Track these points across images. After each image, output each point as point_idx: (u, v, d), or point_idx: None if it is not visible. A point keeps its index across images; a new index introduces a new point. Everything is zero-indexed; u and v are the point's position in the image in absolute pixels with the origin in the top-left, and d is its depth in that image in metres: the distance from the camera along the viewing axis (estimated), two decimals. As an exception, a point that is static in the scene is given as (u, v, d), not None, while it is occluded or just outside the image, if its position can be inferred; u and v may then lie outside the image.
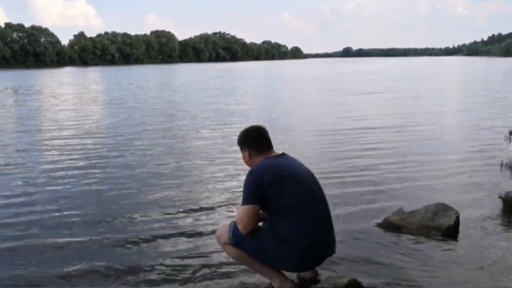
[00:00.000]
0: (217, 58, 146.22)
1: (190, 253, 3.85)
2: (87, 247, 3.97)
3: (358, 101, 16.58)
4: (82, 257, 3.74)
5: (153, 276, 3.44)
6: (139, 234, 4.27)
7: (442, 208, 4.29)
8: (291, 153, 3.01)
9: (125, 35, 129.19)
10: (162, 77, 43.63)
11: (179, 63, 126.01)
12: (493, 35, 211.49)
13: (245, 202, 2.70)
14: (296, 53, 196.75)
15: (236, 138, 3.04)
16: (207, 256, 3.75)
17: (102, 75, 50.55)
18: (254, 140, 2.89)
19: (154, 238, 4.18)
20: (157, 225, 4.51)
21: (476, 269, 3.45)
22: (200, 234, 4.25)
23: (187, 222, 4.61)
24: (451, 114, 13.42)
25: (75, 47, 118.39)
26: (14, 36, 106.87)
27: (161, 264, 3.64)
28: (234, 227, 2.75)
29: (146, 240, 4.11)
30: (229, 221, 2.85)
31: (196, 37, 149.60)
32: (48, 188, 5.85)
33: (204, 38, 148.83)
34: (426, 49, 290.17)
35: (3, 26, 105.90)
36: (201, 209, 4.98)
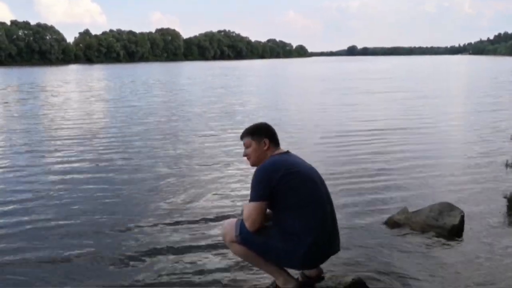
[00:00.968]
0: (221, 56, 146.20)
1: (193, 253, 3.87)
2: (89, 249, 3.94)
3: (367, 101, 16.24)
4: (83, 259, 3.73)
5: (155, 275, 3.45)
6: (141, 235, 4.29)
7: (447, 208, 4.29)
8: (298, 152, 3.02)
9: (130, 32, 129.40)
10: (167, 75, 43.59)
11: (183, 61, 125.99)
12: (499, 34, 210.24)
13: (253, 199, 2.70)
14: (301, 52, 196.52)
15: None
16: (210, 255, 3.77)
17: (107, 73, 50.45)
18: (273, 134, 2.93)
19: (156, 239, 4.19)
20: (158, 225, 4.52)
21: (481, 269, 3.45)
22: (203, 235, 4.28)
23: (190, 223, 4.63)
24: (456, 114, 13.37)
25: (80, 45, 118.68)
26: (20, 33, 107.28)
27: (163, 263, 3.66)
28: (241, 225, 2.75)
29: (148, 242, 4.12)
30: (235, 219, 2.86)
31: (201, 35, 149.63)
32: (44, 193, 5.54)
33: (209, 36, 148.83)
34: (432, 47, 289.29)
35: (9, 23, 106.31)
36: (204, 209, 4.99)
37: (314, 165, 2.96)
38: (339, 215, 3.05)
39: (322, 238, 2.71)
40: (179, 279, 3.36)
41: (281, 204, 2.71)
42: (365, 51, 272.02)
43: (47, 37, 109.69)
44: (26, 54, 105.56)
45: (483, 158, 7.19)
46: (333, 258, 2.95)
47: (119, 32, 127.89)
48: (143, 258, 3.71)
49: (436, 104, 15.44)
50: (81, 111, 14.80)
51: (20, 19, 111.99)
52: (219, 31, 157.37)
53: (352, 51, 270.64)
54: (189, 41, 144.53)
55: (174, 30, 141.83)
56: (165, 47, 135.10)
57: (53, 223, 4.52)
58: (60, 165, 7.12)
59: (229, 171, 6.53)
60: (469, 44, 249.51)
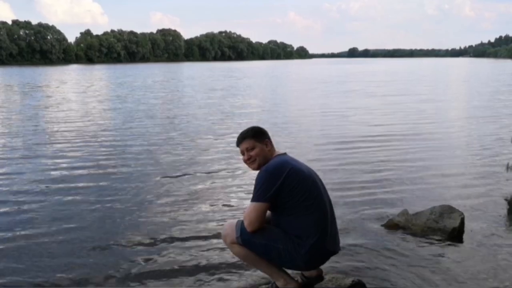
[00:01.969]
0: (222, 57, 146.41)
1: (194, 254, 3.86)
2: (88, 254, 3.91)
3: (369, 104, 15.98)
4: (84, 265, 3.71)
5: (155, 276, 3.45)
6: (142, 236, 4.29)
7: (447, 210, 4.28)
8: (299, 153, 3.02)
9: (131, 33, 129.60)
10: (167, 76, 43.56)
11: (184, 61, 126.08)
12: (500, 36, 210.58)
13: (255, 199, 2.70)
14: (302, 53, 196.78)
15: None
16: (210, 257, 3.77)
17: (107, 73, 50.37)
18: (269, 135, 2.95)
19: (157, 240, 4.19)
20: (160, 226, 4.53)
21: (481, 271, 3.44)
22: (204, 236, 4.27)
23: (191, 224, 4.62)
24: (457, 117, 13.35)
25: (81, 45, 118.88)
26: (21, 33, 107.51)
27: (163, 264, 3.65)
28: (241, 226, 2.74)
29: (150, 244, 4.12)
30: (235, 220, 2.85)
31: (202, 35, 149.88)
32: (37, 199, 5.29)
33: (210, 37, 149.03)
34: (433, 50, 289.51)
35: (10, 23, 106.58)
36: (205, 212, 4.99)
37: (314, 166, 2.96)
38: (339, 217, 3.06)
39: (323, 239, 2.70)
40: (179, 280, 3.35)
41: (283, 206, 2.71)
42: (366, 53, 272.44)
43: (48, 37, 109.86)
44: (27, 54, 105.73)
45: (483, 161, 7.18)
46: (333, 260, 2.95)
47: (120, 32, 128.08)
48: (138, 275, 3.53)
49: (437, 107, 15.43)
50: (77, 113, 14.27)
51: (22, 19, 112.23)
52: (220, 32, 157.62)
53: (353, 53, 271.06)
54: (190, 42, 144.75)
55: (175, 31, 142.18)
56: (166, 47, 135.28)
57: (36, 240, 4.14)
58: (49, 172, 6.61)
59: (229, 178, 6.20)
60: (470, 46, 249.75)
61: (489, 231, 4.23)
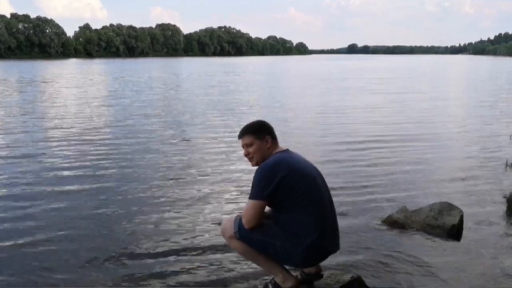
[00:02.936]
0: (221, 52, 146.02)
1: (193, 248, 3.86)
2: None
3: (369, 101, 15.87)
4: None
5: (154, 270, 3.45)
6: (139, 230, 4.28)
7: (447, 207, 4.28)
8: (299, 150, 3.00)
9: (130, 27, 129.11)
10: (166, 71, 43.42)
11: (183, 56, 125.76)
12: (500, 34, 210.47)
13: (253, 196, 2.69)
14: (301, 49, 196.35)
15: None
16: (208, 251, 3.77)
17: (106, 68, 49.99)
18: (273, 131, 2.89)
19: (154, 234, 4.19)
20: (158, 222, 4.53)
21: (480, 268, 3.45)
22: (202, 229, 4.27)
23: (189, 219, 4.62)
24: (457, 114, 13.35)
25: (80, 39, 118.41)
26: (20, 26, 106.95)
27: (162, 259, 3.65)
28: (240, 221, 2.73)
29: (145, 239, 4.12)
30: (234, 215, 2.84)
31: (201, 30, 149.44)
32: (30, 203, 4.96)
33: (209, 32, 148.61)
34: (432, 47, 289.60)
35: (8, 16, 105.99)
36: (205, 208, 4.98)
37: (314, 162, 2.94)
38: (338, 214, 3.04)
39: (321, 238, 2.69)
40: (178, 278, 3.35)
41: (282, 203, 2.70)
42: (366, 50, 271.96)
43: (47, 31, 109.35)
44: (25, 48, 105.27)
45: (483, 158, 7.18)
46: (332, 256, 2.94)
47: (119, 26, 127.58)
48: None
49: (437, 105, 15.42)
50: (71, 109, 13.72)
51: (20, 12, 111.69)
52: (220, 27, 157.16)
53: (352, 49, 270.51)
54: (189, 37, 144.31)
55: (174, 26, 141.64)
56: (165, 42, 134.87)
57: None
58: (39, 173, 6.18)
59: (226, 178, 5.95)
60: (470, 44, 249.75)
61: (488, 229, 4.24)
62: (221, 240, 3.37)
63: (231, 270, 3.41)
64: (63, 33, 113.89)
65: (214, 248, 3.78)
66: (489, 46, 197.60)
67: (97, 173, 6.25)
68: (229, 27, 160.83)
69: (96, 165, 6.69)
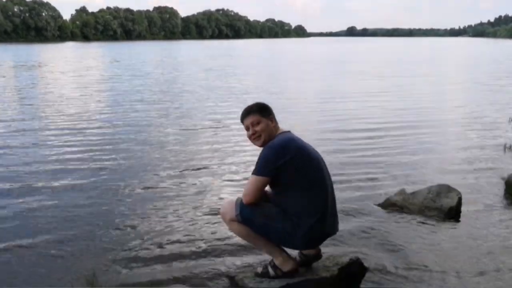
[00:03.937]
0: (219, 35, 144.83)
1: (191, 230, 3.88)
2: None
3: (376, 86, 15.52)
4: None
5: (153, 257, 3.47)
6: (137, 219, 4.29)
7: (445, 189, 4.30)
8: (299, 132, 2.99)
9: (127, 10, 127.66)
10: (164, 55, 43.08)
11: (181, 39, 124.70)
12: (500, 16, 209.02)
13: (255, 172, 2.69)
14: (299, 32, 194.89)
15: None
16: (207, 233, 3.79)
17: (102, 51, 49.39)
18: (272, 111, 2.90)
19: (153, 220, 4.20)
20: (156, 209, 4.54)
21: (477, 250, 3.48)
22: (201, 212, 4.28)
23: (187, 203, 4.63)
24: (456, 97, 13.32)
25: (77, 22, 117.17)
26: (16, 9, 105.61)
27: (160, 245, 3.67)
28: (241, 204, 2.74)
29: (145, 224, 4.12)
30: (234, 198, 2.85)
31: (199, 13, 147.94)
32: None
33: (207, 15, 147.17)
34: (432, 29, 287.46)
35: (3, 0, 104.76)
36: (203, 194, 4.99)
37: (314, 145, 2.94)
38: (336, 196, 3.05)
39: (323, 219, 2.71)
40: (175, 263, 3.37)
41: (285, 185, 2.70)
42: (365, 32, 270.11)
43: (43, 14, 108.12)
44: (21, 31, 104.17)
45: (482, 141, 7.19)
46: (330, 238, 2.96)
47: (116, 9, 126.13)
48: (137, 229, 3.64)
49: (439, 89, 15.38)
50: (64, 96, 12.93)
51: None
52: (217, 10, 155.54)
53: (351, 32, 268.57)
54: (187, 20, 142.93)
55: (171, 8, 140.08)
56: (162, 25, 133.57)
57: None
58: (23, 168, 5.74)
59: (225, 170, 5.66)
60: (469, 26, 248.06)
61: (486, 211, 4.26)
62: (221, 227, 3.42)
63: (231, 254, 3.42)
64: (60, 16, 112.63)
65: (214, 231, 3.80)
66: (489, 28, 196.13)
67: (92, 165, 5.81)
68: (227, 9, 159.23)
69: (91, 156, 6.24)
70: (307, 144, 2.83)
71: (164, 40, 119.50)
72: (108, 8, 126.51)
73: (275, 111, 2.89)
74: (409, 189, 4.49)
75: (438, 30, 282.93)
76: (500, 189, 4.76)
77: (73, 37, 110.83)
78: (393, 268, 3.20)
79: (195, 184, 5.09)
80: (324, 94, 13.43)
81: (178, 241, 3.65)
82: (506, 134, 7.62)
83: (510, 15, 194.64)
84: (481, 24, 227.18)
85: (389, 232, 3.80)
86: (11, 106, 11.25)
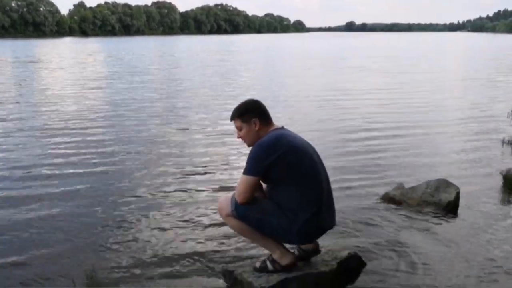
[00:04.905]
0: (218, 30, 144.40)
1: (190, 225, 3.89)
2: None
3: (380, 83, 15.28)
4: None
5: (150, 250, 3.48)
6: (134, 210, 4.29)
7: (443, 184, 4.31)
8: (297, 126, 2.99)
9: (126, 5, 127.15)
10: (163, 50, 42.89)
11: (180, 34, 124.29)
12: (499, 11, 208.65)
13: (246, 172, 2.70)
14: (298, 27, 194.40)
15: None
16: (205, 229, 3.80)
17: (100, 47, 48.93)
18: (263, 111, 2.83)
19: (149, 213, 4.20)
20: (154, 199, 4.54)
21: (475, 245, 3.48)
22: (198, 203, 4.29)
23: (185, 193, 4.63)
24: (455, 92, 13.32)
25: (75, 17, 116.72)
26: (13, 4, 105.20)
27: (158, 238, 3.67)
28: (236, 200, 2.75)
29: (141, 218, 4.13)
30: (230, 193, 2.85)
31: (197, 8, 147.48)
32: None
33: (206, 10, 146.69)
34: (430, 24, 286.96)
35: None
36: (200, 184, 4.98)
37: (311, 139, 2.94)
38: (335, 190, 3.06)
39: (318, 213, 2.71)
40: (174, 259, 3.38)
41: (278, 180, 2.71)
42: (364, 27, 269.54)
43: (41, 9, 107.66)
44: (19, 26, 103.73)
45: (480, 136, 7.21)
46: (329, 233, 2.96)
47: (114, 4, 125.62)
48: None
49: (436, 82, 15.37)
50: (62, 94, 12.30)
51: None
52: (216, 5, 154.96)
53: (350, 27, 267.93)
54: (185, 15, 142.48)
55: (170, 3, 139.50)
56: (161, 20, 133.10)
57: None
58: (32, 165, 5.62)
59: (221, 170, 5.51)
60: (468, 21, 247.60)
61: (484, 205, 4.27)
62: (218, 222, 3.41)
63: (229, 249, 3.43)
64: (57, 11, 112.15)
65: (212, 227, 3.82)
66: (488, 23, 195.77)
67: (88, 167, 5.53)
68: (226, 4, 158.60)
69: (88, 158, 5.95)
70: (299, 138, 2.83)
71: (162, 35, 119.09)
72: (106, 3, 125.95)
73: (275, 108, 2.86)
74: (407, 183, 4.49)
75: (437, 25, 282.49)
76: (498, 183, 4.77)
77: (71, 32, 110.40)
78: (391, 262, 3.21)
79: (194, 182, 5.07)
80: (324, 90, 13.39)
81: (176, 236, 3.65)
82: (505, 128, 7.63)
83: (509, 9, 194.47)
84: (480, 18, 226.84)
85: (387, 226, 3.81)
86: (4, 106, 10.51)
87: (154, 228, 3.78)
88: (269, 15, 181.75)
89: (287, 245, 2.91)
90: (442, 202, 4.13)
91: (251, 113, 2.79)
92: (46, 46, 48.95)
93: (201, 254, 3.33)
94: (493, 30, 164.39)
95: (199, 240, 3.57)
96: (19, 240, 3.60)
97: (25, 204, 4.35)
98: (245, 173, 2.70)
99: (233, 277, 2.93)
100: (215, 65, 23.03)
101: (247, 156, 2.72)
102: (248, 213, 2.73)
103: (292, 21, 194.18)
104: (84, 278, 2.95)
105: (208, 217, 4.01)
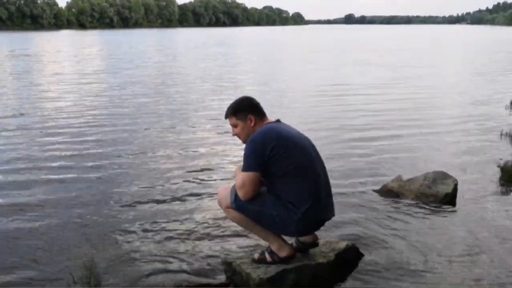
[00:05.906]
0: (217, 23, 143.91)
1: (189, 217, 3.90)
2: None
3: (381, 77, 15.07)
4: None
5: (150, 240, 3.49)
6: (134, 201, 4.31)
7: (441, 176, 4.32)
8: (296, 119, 2.99)
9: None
10: (161, 43, 42.64)
11: (178, 27, 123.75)
12: (498, 3, 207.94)
13: (246, 168, 2.70)
14: (297, 19, 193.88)
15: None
16: (204, 220, 3.81)
17: (98, 39, 48.51)
18: (256, 107, 2.87)
19: (150, 203, 4.22)
20: (154, 191, 4.55)
21: (472, 237, 3.50)
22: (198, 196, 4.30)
23: (185, 187, 4.64)
24: (454, 84, 13.29)
25: (73, 10, 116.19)
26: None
27: (156, 231, 3.69)
28: (236, 192, 2.76)
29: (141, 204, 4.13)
30: (230, 185, 2.86)
31: (196, 1, 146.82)
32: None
33: (204, 2, 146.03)
34: (430, 17, 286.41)
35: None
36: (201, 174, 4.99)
37: (308, 131, 2.94)
38: (333, 182, 3.07)
39: (316, 205, 2.73)
40: (172, 249, 3.39)
41: (275, 173, 2.72)
42: (363, 20, 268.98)
43: (39, 1, 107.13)
44: (17, 19, 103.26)
45: (478, 128, 7.22)
46: (327, 225, 2.98)
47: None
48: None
49: (435, 74, 15.35)
50: (59, 89, 11.93)
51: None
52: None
53: (349, 20, 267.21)
54: (184, 7, 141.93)
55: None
56: (159, 13, 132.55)
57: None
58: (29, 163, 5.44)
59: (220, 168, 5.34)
60: (468, 13, 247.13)
61: (482, 197, 4.29)
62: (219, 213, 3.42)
63: (228, 240, 3.44)
64: (55, 3, 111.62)
65: (211, 218, 3.82)
66: (487, 15, 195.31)
67: (85, 163, 5.40)
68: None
69: (86, 154, 5.81)
70: (292, 130, 2.84)
71: (161, 27, 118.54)
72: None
73: (271, 104, 2.87)
74: (406, 175, 4.50)
75: (437, 17, 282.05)
76: (495, 175, 4.78)
77: (69, 25, 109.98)
78: (389, 253, 3.22)
79: (193, 181, 4.97)
80: (325, 85, 13.35)
81: (175, 228, 3.66)
82: (503, 120, 7.64)
83: (508, 2, 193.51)
84: (480, 11, 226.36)
85: (386, 218, 3.82)
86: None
87: (153, 223, 3.78)
88: (268, 8, 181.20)
89: (286, 238, 2.93)
90: (440, 194, 4.15)
91: (245, 110, 2.84)
92: (42, 40, 48.49)
93: (200, 246, 3.34)
94: (492, 22, 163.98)
95: (198, 231, 3.58)
96: (15, 245, 3.45)
97: (19, 207, 4.16)
98: (244, 170, 2.71)
99: (231, 269, 2.94)
100: (215, 59, 22.89)
101: (243, 154, 2.73)
102: (248, 205, 2.74)
103: (291, 14, 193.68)
104: (83, 277, 2.92)
105: (207, 209, 4.02)
